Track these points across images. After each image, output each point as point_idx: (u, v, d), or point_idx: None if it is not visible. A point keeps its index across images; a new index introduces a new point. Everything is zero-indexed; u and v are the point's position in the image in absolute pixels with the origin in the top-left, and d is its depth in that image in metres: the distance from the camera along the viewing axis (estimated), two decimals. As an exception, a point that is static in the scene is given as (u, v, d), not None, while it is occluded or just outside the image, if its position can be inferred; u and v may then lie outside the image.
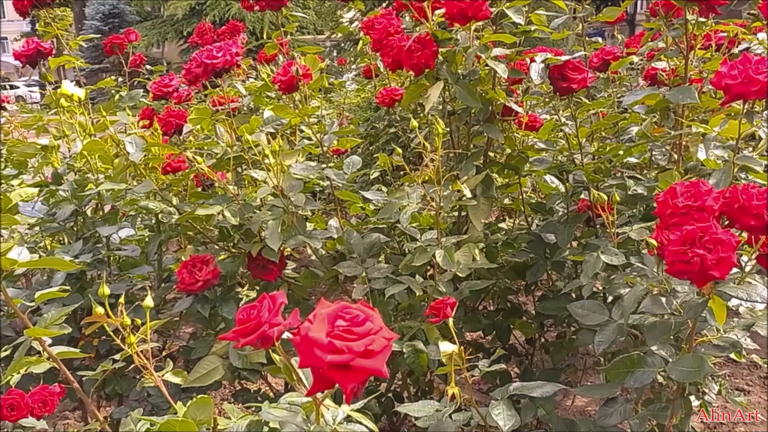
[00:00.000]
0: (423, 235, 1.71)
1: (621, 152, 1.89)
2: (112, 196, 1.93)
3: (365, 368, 0.75)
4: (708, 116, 1.81)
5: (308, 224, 1.87)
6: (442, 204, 1.61)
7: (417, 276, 1.72)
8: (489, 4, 1.63)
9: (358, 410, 0.98)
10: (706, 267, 1.04)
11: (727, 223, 1.15)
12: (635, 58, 2.35)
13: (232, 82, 1.91)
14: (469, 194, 1.63)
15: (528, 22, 1.77)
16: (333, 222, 1.98)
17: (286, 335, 0.86)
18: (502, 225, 2.26)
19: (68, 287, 1.46)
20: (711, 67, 1.75)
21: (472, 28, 1.68)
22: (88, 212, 2.03)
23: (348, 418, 0.95)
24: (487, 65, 1.69)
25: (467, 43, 1.67)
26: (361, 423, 0.94)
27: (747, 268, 1.17)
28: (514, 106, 1.81)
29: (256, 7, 2.08)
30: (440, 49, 1.69)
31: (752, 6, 1.94)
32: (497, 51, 1.69)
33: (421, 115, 2.60)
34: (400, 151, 1.66)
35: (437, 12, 1.69)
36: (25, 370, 1.29)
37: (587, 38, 2.20)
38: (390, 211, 1.71)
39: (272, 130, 1.83)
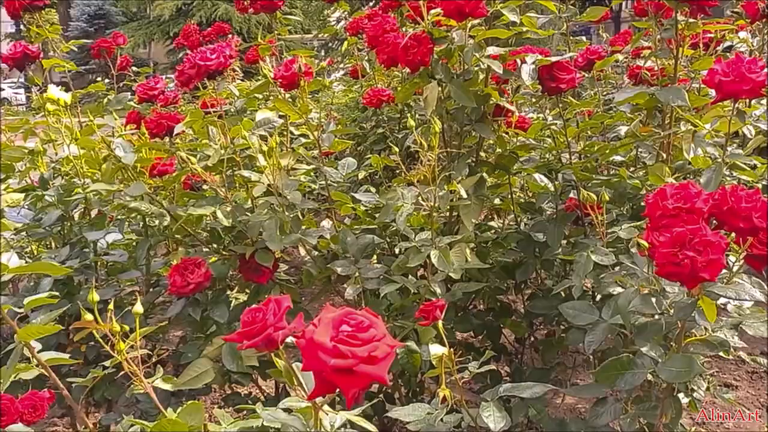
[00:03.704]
0: (417, 235, 1.71)
1: (608, 151, 1.90)
2: (100, 198, 1.92)
3: (368, 374, 0.76)
4: (695, 115, 1.82)
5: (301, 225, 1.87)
6: (437, 204, 1.62)
7: (409, 276, 1.72)
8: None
9: (356, 415, 0.99)
10: (696, 269, 1.04)
11: (716, 224, 1.16)
12: (620, 57, 2.36)
13: (223, 84, 1.91)
14: (464, 194, 1.64)
15: (519, 23, 1.78)
16: (325, 223, 1.98)
17: (289, 339, 0.86)
18: (492, 224, 2.26)
19: (56, 293, 1.45)
20: (699, 67, 1.76)
21: (468, 26, 1.69)
22: (76, 217, 2.02)
23: (346, 425, 0.95)
24: (479, 64, 1.70)
25: (462, 42, 1.68)
26: (364, 428, 0.94)
27: (735, 268, 1.18)
28: (508, 106, 1.82)
29: (250, 9, 2.07)
30: (435, 48, 1.70)
31: (735, 4, 1.96)
32: (491, 50, 1.70)
33: (409, 115, 2.60)
34: (396, 149, 1.67)
35: (432, 12, 1.70)
36: (14, 377, 1.28)
37: (572, 37, 2.22)
38: (387, 213, 1.72)
39: (264, 133, 1.83)
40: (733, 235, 1.13)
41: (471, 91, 1.72)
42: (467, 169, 1.80)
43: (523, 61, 1.74)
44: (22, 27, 2.41)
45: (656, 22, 1.73)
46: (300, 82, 1.82)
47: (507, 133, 1.96)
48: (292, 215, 1.72)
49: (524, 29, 1.77)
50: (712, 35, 1.88)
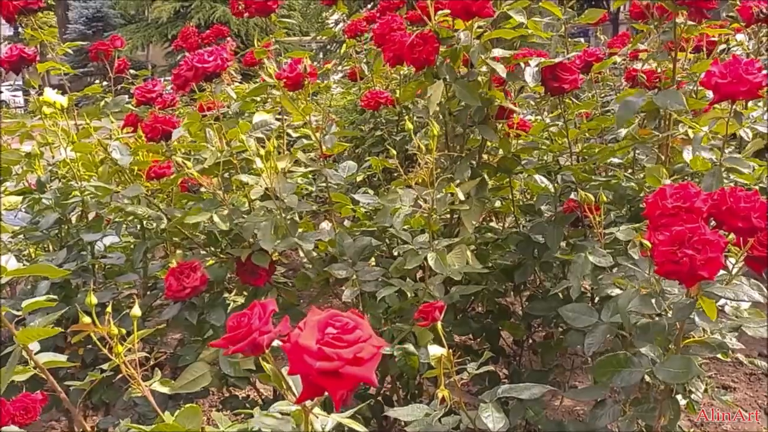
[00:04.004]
0: (414, 237, 1.71)
1: (606, 153, 1.91)
2: (97, 201, 1.91)
3: (354, 375, 0.75)
4: (694, 118, 1.83)
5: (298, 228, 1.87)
6: (435, 207, 1.62)
7: (408, 279, 1.72)
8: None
9: (349, 417, 0.98)
10: (695, 267, 1.05)
11: (715, 224, 1.17)
12: (618, 59, 2.37)
13: (221, 87, 1.91)
14: (462, 197, 1.64)
15: (526, 25, 1.78)
16: (325, 225, 1.98)
17: (276, 342, 0.86)
18: (492, 224, 2.27)
19: (54, 296, 1.45)
20: (697, 70, 1.77)
21: (474, 26, 1.69)
22: (73, 220, 2.01)
23: (338, 427, 0.95)
24: (483, 66, 1.70)
25: (468, 42, 1.69)
26: (355, 430, 0.94)
27: (734, 270, 1.18)
28: (513, 107, 1.83)
29: (246, 14, 2.08)
30: (441, 48, 1.71)
31: (730, 8, 1.96)
32: (496, 52, 1.71)
33: (407, 117, 2.60)
34: (394, 152, 1.67)
35: (439, 12, 1.71)
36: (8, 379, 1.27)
37: (570, 39, 2.22)
38: (385, 215, 1.72)
39: (261, 135, 1.83)
40: (732, 236, 1.14)
41: (476, 92, 1.73)
42: (470, 171, 1.80)
43: (527, 64, 1.75)
44: (20, 30, 2.41)
45: (657, 25, 1.74)
46: (304, 83, 1.83)
47: (508, 135, 1.96)
48: (288, 218, 1.72)
49: (530, 32, 1.78)
50: (714, 38, 1.89)
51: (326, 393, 0.78)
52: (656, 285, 1.24)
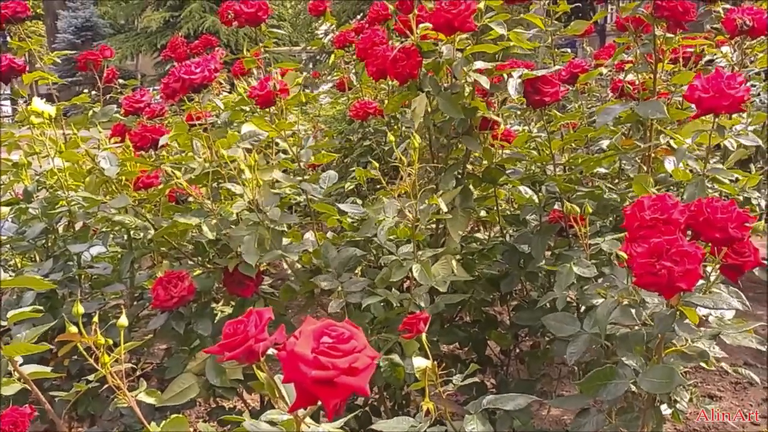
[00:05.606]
0: (400, 248, 1.71)
1: (591, 163, 1.93)
2: (85, 211, 1.91)
3: (349, 385, 0.76)
4: (676, 129, 1.85)
5: (284, 239, 1.87)
6: (418, 217, 1.62)
7: (393, 289, 1.72)
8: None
9: (339, 427, 0.99)
10: (673, 279, 1.06)
11: (692, 235, 1.18)
12: (604, 70, 2.39)
13: (209, 97, 1.91)
14: (445, 208, 1.65)
15: (507, 38, 1.80)
16: (308, 235, 1.98)
17: (270, 351, 0.86)
18: (478, 235, 2.28)
19: (40, 307, 1.44)
20: (678, 81, 1.79)
21: (456, 40, 1.71)
22: (60, 230, 2.01)
23: (329, 436, 0.95)
24: (466, 78, 1.71)
25: (451, 55, 1.70)
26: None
27: (712, 278, 1.19)
28: (495, 118, 1.84)
29: (235, 23, 2.09)
30: (424, 61, 1.72)
31: (715, 20, 1.99)
32: (478, 64, 1.72)
33: (395, 127, 2.62)
34: (376, 164, 1.67)
35: (421, 26, 1.72)
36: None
37: (557, 50, 2.25)
38: (369, 227, 1.72)
39: (249, 146, 1.83)
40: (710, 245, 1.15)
41: (458, 104, 1.74)
42: (454, 182, 1.81)
43: (510, 75, 1.76)
44: (9, 39, 2.41)
45: (636, 37, 1.76)
46: (276, 100, 1.82)
47: (493, 145, 1.98)
48: (272, 230, 1.72)
49: (511, 44, 1.80)
50: (692, 50, 1.91)
51: (319, 402, 0.78)
52: (636, 295, 1.26)
